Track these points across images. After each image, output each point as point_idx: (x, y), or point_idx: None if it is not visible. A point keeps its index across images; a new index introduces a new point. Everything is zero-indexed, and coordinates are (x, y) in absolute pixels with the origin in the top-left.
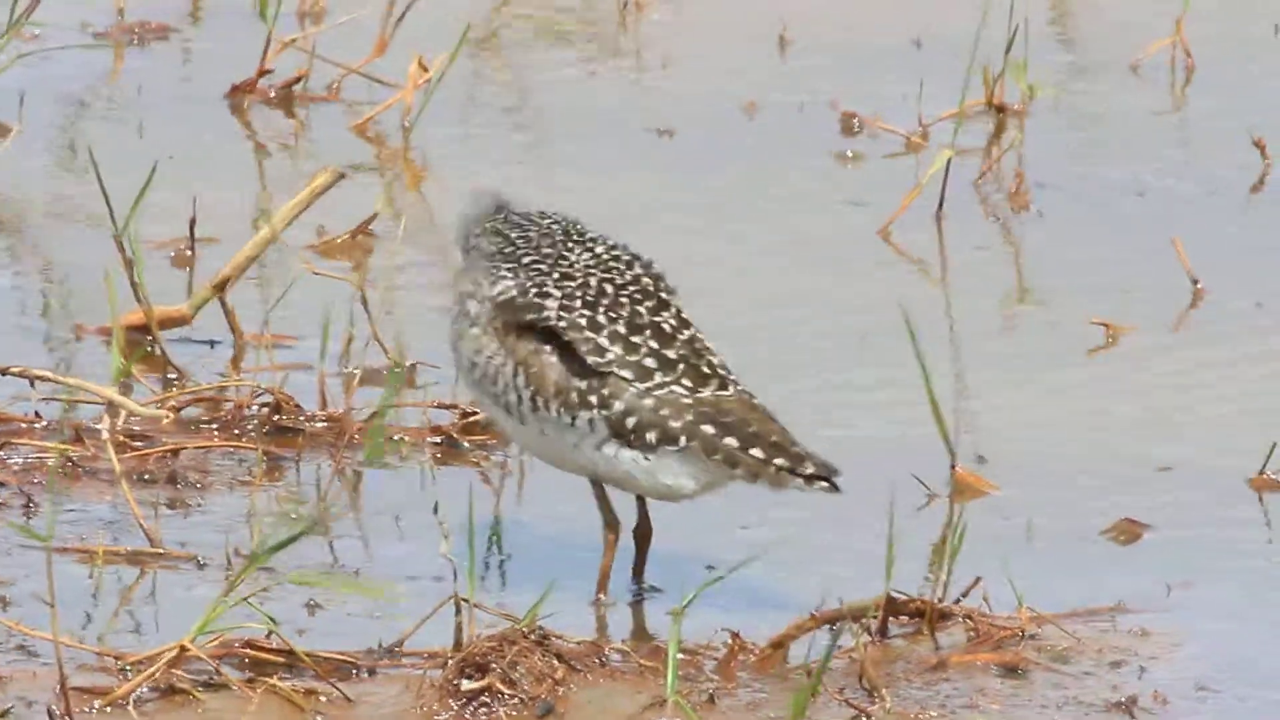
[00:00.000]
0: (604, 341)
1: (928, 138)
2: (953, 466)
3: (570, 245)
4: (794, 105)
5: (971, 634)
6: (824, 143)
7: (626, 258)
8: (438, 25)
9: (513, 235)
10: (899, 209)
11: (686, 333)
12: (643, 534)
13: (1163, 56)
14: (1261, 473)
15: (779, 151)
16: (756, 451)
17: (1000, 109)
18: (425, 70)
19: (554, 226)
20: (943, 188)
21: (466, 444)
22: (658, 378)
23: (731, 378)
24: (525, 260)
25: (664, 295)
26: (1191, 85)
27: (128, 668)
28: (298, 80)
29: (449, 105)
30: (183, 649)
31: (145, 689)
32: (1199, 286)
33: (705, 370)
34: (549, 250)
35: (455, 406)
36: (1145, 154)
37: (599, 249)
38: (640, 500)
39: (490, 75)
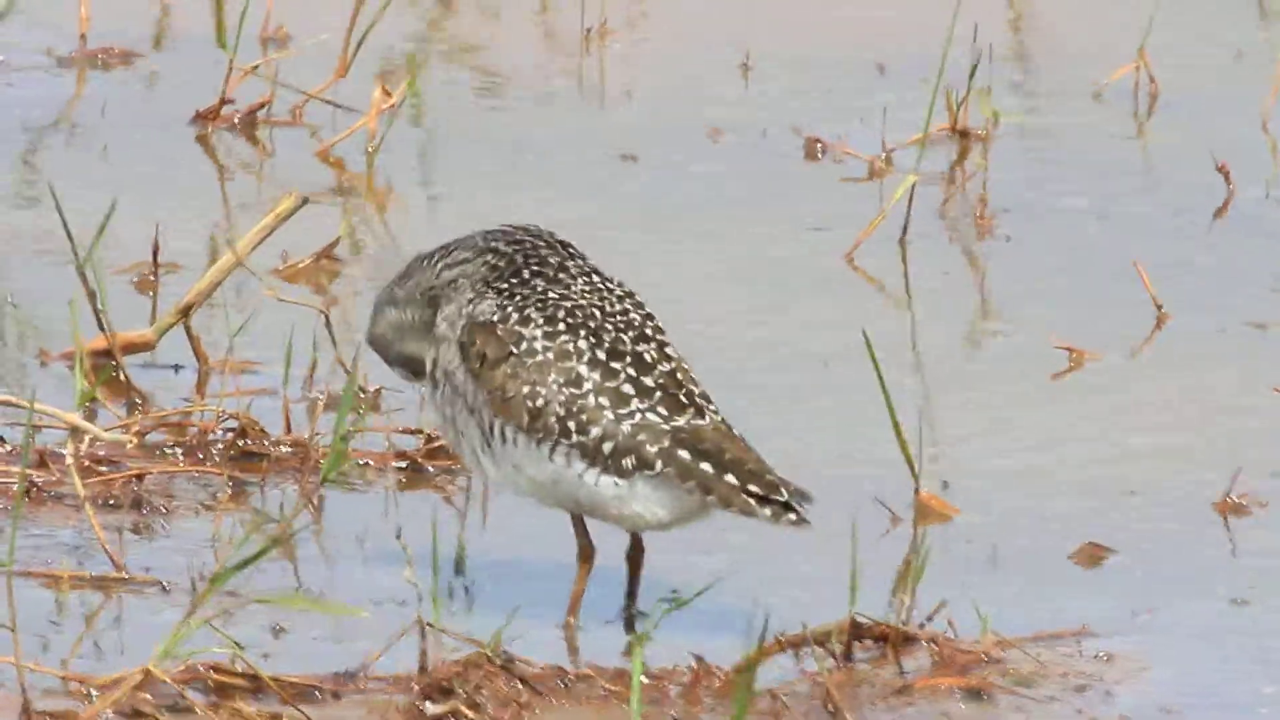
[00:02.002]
0: (583, 369)
1: (891, 162)
2: (916, 490)
3: (571, 270)
4: (757, 130)
5: (936, 658)
6: (788, 167)
7: (619, 293)
8: (401, 48)
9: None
10: (863, 234)
11: (668, 365)
12: (635, 558)
13: (1126, 82)
14: (1226, 496)
15: (743, 176)
16: (730, 478)
17: (964, 134)
18: (389, 96)
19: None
20: (907, 212)
21: (431, 468)
22: (634, 404)
23: (710, 408)
24: (525, 275)
25: (649, 330)
26: (1155, 111)
27: (92, 692)
28: (262, 106)
29: (412, 131)
30: (147, 673)
31: (109, 713)
32: (1163, 310)
33: (682, 399)
34: (553, 271)
35: (420, 431)
36: (1109, 179)
37: (596, 279)
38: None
39: (453, 100)
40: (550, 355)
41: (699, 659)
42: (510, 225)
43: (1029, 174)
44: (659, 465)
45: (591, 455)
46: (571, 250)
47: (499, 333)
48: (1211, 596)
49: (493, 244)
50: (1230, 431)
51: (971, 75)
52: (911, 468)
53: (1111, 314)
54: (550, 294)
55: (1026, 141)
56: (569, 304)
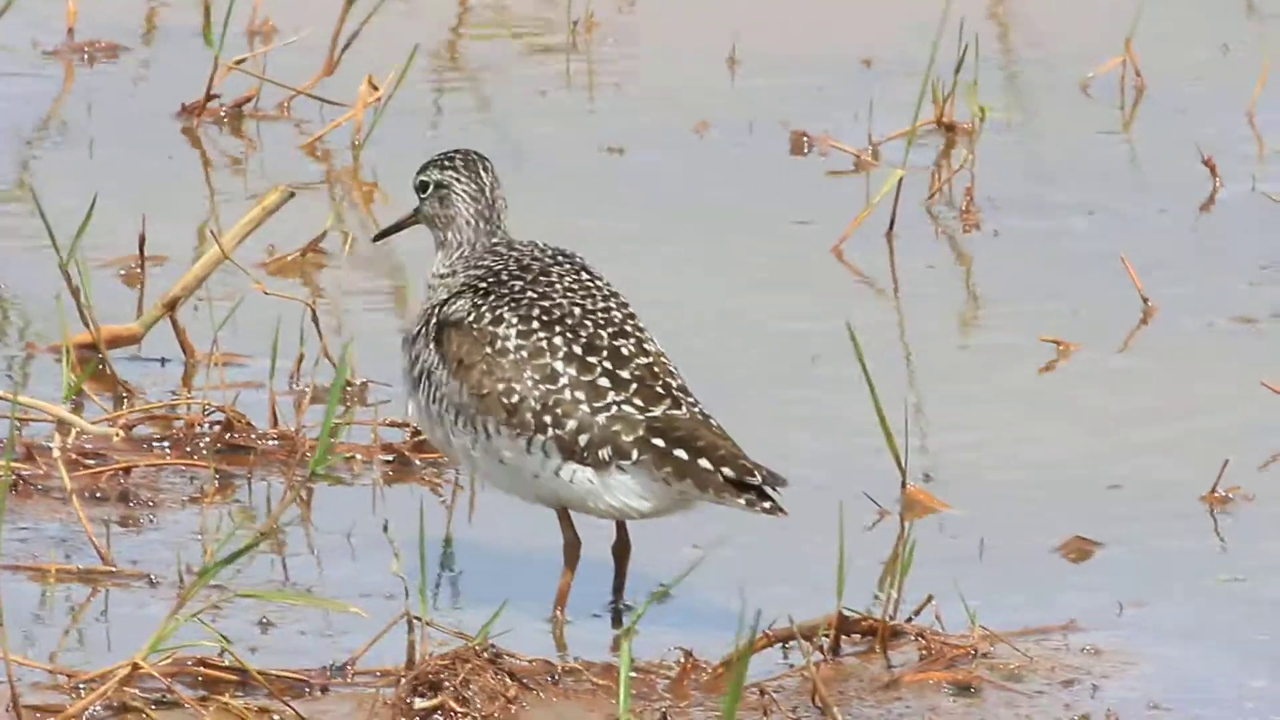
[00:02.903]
0: (558, 364)
1: (878, 156)
2: (904, 484)
3: (553, 267)
4: (744, 124)
5: (924, 652)
6: (774, 161)
7: (605, 291)
8: (389, 44)
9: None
10: (850, 227)
11: (645, 359)
12: (621, 551)
13: (1112, 76)
14: (1213, 490)
15: (729, 170)
16: (704, 463)
17: (950, 128)
18: (375, 89)
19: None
20: (893, 206)
21: (418, 462)
22: (610, 397)
23: (689, 400)
24: (504, 277)
25: (628, 326)
26: (1141, 105)
27: (80, 686)
28: (248, 99)
29: (399, 124)
30: (135, 667)
31: (98, 707)
32: (1149, 304)
33: (659, 391)
34: (534, 269)
35: (406, 425)
36: (1095, 173)
37: (583, 276)
38: (618, 520)
39: (441, 94)
40: (524, 353)
41: (687, 652)
42: (507, 242)
43: (1015, 168)
44: (635, 454)
45: (568, 448)
46: (562, 254)
47: (473, 332)
48: (1199, 590)
49: (481, 260)
50: (1217, 425)
51: (957, 70)
52: (898, 461)
53: (1098, 308)
54: (528, 294)
55: (1013, 136)
56: (546, 303)
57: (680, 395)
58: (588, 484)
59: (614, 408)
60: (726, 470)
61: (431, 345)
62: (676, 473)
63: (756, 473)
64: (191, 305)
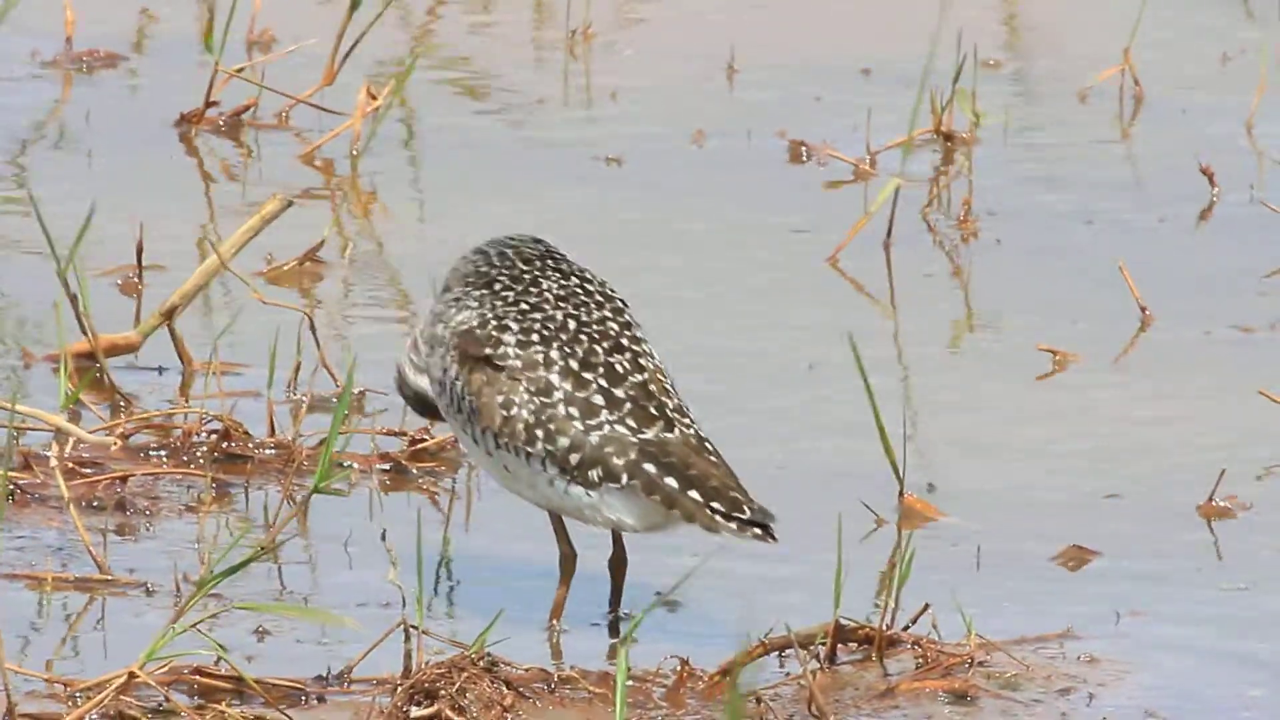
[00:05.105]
0: (554, 378)
1: (876, 165)
2: (901, 493)
3: (547, 272)
4: (742, 133)
5: (920, 661)
6: (772, 170)
7: (599, 298)
8: (385, 53)
9: (486, 262)
10: (847, 237)
11: (640, 376)
12: (617, 565)
13: (1111, 85)
14: (1210, 500)
15: (727, 179)
16: (694, 494)
17: (948, 137)
18: (374, 98)
19: (533, 253)
20: (891, 215)
21: (415, 471)
22: (603, 415)
23: (684, 420)
24: (496, 287)
25: (625, 339)
26: (1140, 114)
27: (76, 695)
28: (247, 108)
29: (396, 134)
30: (131, 676)
31: (94, 716)
32: (1147, 314)
33: (653, 411)
34: (524, 274)
35: (404, 434)
36: (1094, 182)
37: (573, 281)
38: (614, 531)
39: (438, 103)
40: (519, 364)
41: (683, 661)
42: (499, 238)
43: (1013, 177)
44: (624, 478)
45: (561, 464)
46: (556, 256)
47: (476, 336)
48: (1196, 599)
49: (474, 257)
50: (1215, 434)
51: (956, 78)
52: (896, 470)
53: (1096, 317)
54: (524, 304)
55: (1011, 144)
56: (541, 315)
57: (675, 416)
58: (584, 497)
59: (606, 427)
60: (716, 504)
61: (450, 356)
62: (665, 501)
63: (746, 506)
64: (190, 314)
